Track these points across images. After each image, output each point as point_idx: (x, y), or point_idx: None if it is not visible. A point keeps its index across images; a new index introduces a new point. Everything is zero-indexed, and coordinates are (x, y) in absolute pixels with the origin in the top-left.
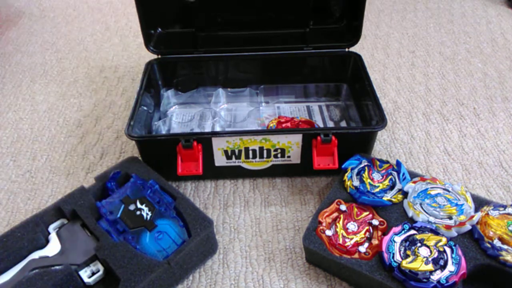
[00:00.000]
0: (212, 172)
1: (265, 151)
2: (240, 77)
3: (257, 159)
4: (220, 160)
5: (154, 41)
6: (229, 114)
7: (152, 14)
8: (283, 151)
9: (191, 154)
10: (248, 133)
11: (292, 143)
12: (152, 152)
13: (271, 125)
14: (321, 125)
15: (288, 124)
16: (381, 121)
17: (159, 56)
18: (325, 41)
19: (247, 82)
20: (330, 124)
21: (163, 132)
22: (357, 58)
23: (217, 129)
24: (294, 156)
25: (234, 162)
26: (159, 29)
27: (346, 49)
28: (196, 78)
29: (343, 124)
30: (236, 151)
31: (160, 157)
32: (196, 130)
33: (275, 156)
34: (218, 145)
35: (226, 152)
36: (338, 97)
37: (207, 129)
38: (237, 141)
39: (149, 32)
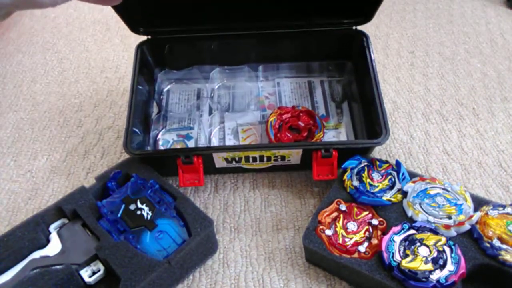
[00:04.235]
0: (212, 170)
1: (265, 158)
2: (238, 55)
3: (258, 162)
4: (220, 163)
5: (140, 21)
6: (227, 93)
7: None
8: (283, 157)
9: (192, 167)
10: (248, 149)
11: (293, 152)
12: (152, 162)
13: (271, 119)
14: (322, 106)
15: (289, 115)
16: (384, 133)
17: (149, 37)
18: (332, 16)
19: (246, 60)
20: (332, 105)
21: (161, 123)
22: (364, 37)
23: (216, 116)
24: (294, 160)
25: (234, 164)
26: (144, 8)
27: (354, 27)
28: (191, 56)
29: (345, 105)
30: (237, 158)
31: (160, 161)
32: (195, 113)
33: (275, 160)
34: (219, 155)
35: (226, 159)
36: (341, 74)
37: (205, 115)
38: (237, 152)
39: (130, 12)
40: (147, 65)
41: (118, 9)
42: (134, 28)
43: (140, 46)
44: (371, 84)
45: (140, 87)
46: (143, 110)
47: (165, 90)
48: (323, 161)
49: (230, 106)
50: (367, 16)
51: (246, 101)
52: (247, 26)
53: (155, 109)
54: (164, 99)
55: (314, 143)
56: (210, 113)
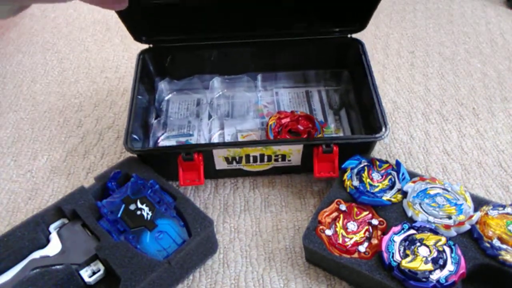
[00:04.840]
0: (213, 174)
1: (265, 157)
2: (237, 64)
3: (258, 162)
4: (221, 164)
5: (143, 30)
6: (226, 102)
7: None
8: (283, 156)
9: (192, 165)
10: (249, 144)
11: (293, 150)
12: (152, 161)
13: (271, 122)
14: (320, 114)
15: (288, 120)
16: (384, 129)
17: (151, 46)
18: (328, 24)
19: (245, 69)
20: (330, 113)
21: (160, 129)
22: (360, 45)
23: (215, 122)
24: (295, 160)
25: (235, 166)
26: (143, 12)
27: (349, 35)
28: (191, 66)
29: (343, 112)
30: (237, 157)
31: (160, 164)
32: (194, 121)
33: (276, 160)
34: (219, 154)
35: (227, 158)
36: (338, 83)
37: (205, 121)
38: (237, 149)
39: (133, 21)
40: (148, 74)
41: (123, 17)
42: (137, 36)
43: (142, 54)
44: (368, 82)
45: (140, 97)
46: (143, 117)
47: (165, 99)
48: (324, 157)
49: (229, 114)
50: (362, 24)
51: (245, 109)
52: (246, 35)
53: (154, 116)
54: (164, 108)
55: (315, 139)
56: (210, 125)
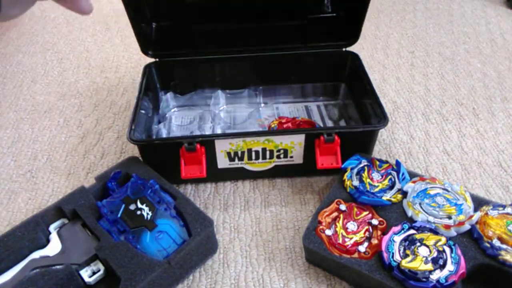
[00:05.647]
0: (215, 174)
1: (268, 152)
2: (238, 78)
3: (260, 160)
4: (223, 162)
5: (151, 45)
6: (228, 115)
7: (145, 17)
8: (285, 152)
9: (194, 157)
10: (251, 135)
11: (295, 143)
12: (154, 155)
13: (273, 125)
14: (321, 125)
15: (289, 125)
16: (383, 119)
17: (157, 60)
18: (323, 40)
19: (245, 83)
20: (330, 123)
21: (164, 135)
22: (355, 57)
23: (218, 131)
24: (297, 156)
25: (237, 163)
26: (154, 31)
27: (344, 49)
28: (194, 80)
29: (342, 123)
30: (239, 152)
31: (162, 161)
32: (197, 132)
33: (278, 157)
34: (221, 148)
35: (229, 154)
36: (336, 97)
37: (207, 131)
38: (240, 143)
39: (144, 36)
40: (153, 86)
41: (137, 31)
42: (145, 50)
43: (147, 67)
44: (363, 83)
45: (145, 104)
46: (146, 124)
47: (168, 114)
48: (326, 148)
49: (231, 127)
50: (354, 38)
51: (246, 121)
52: (247, 50)
53: (162, 130)
54: (167, 123)
55: (316, 129)
56: (212, 131)
